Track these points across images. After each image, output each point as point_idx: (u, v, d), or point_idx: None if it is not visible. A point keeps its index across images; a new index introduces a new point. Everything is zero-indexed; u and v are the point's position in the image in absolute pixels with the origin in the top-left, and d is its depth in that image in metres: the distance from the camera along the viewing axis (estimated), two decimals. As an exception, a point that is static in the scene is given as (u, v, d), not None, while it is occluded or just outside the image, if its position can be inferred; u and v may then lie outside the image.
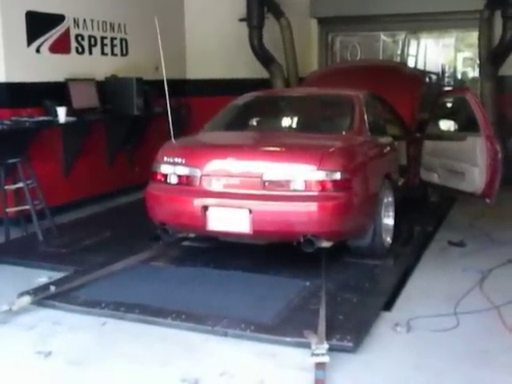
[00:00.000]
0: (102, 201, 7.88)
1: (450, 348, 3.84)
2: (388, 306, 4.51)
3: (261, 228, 4.81)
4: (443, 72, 13.13)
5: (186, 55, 10.38)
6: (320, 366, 3.45)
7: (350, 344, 3.78)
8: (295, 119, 6.20)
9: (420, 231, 6.44)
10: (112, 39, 8.47)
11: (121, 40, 8.64)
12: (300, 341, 3.81)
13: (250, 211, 4.77)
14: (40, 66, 7.20)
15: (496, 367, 3.61)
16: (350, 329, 3.97)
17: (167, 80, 5.62)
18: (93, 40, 8.09)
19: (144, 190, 5.40)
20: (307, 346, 3.67)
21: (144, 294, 4.65)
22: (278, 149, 5.27)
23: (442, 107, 7.15)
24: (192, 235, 5.65)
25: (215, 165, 5.03)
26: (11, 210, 6.47)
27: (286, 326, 4.05)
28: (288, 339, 3.88)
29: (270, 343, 3.88)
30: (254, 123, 6.21)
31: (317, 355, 3.52)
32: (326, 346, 3.59)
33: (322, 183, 4.75)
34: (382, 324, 4.19)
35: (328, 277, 4.85)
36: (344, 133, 5.58)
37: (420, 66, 12.55)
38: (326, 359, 3.49)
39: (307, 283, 4.80)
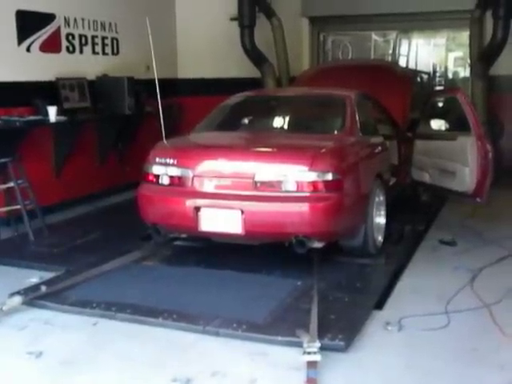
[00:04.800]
0: (93, 200, 7.86)
1: (441, 347, 3.86)
2: (379, 304, 4.52)
3: (252, 229, 4.81)
4: (434, 71, 13.20)
5: (178, 54, 10.37)
6: (312, 364, 3.46)
7: (342, 343, 3.79)
8: (287, 119, 6.21)
9: (411, 230, 6.46)
10: (103, 38, 8.44)
11: (112, 39, 8.61)
12: (292, 340, 3.82)
13: (242, 212, 4.77)
14: (30, 65, 7.17)
15: (487, 366, 3.62)
16: (341, 328, 3.98)
17: (158, 79, 5.61)
18: (84, 39, 8.06)
19: (135, 189, 5.39)
20: (299, 345, 3.67)
21: (135, 293, 4.64)
22: (269, 149, 5.28)
23: (433, 107, 7.18)
24: (184, 235, 5.64)
25: (207, 166, 5.03)
26: (2, 209, 6.44)
27: (278, 325, 4.05)
28: (280, 338, 3.88)
29: (261, 342, 3.89)
30: (246, 123, 6.21)
31: (309, 353, 3.53)
32: (317, 344, 3.60)
33: (313, 184, 4.76)
34: (374, 323, 4.20)
35: (320, 276, 4.85)
36: (335, 133, 5.59)
37: (411, 66, 12.59)
38: (317, 358, 3.50)
39: (299, 283, 4.81)
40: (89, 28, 8.15)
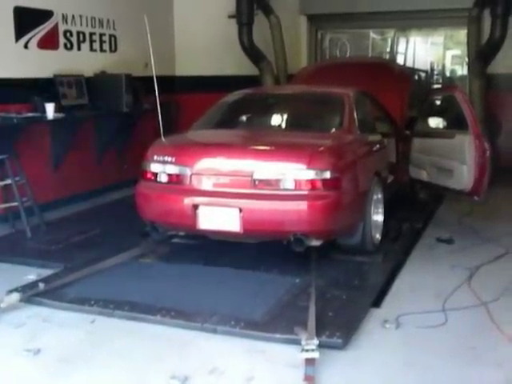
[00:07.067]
0: (91, 197, 7.85)
1: (439, 344, 3.87)
2: (377, 302, 4.53)
3: (251, 227, 4.81)
4: (432, 70, 13.21)
5: (176, 52, 10.35)
6: (310, 362, 3.47)
7: (340, 341, 3.80)
8: (285, 117, 6.20)
9: (409, 228, 6.46)
10: (101, 35, 8.43)
11: (110, 36, 8.60)
12: (290, 337, 3.82)
13: (240, 210, 4.77)
14: (28, 61, 7.15)
15: (484, 363, 3.63)
16: (339, 325, 3.99)
17: (157, 77, 5.61)
18: (81, 36, 8.05)
19: (133, 186, 5.39)
20: (297, 342, 3.68)
21: (133, 291, 4.64)
22: (267, 148, 5.27)
23: (430, 105, 7.19)
24: (182, 233, 5.64)
25: (205, 163, 5.03)
26: (-1, 206, 6.44)
27: (276, 322, 4.05)
28: (278, 336, 3.89)
29: (259, 340, 3.89)
30: (244, 121, 6.21)
31: (307, 351, 3.53)
32: (316, 341, 3.60)
33: (311, 182, 4.76)
34: (371, 321, 4.21)
35: (318, 274, 4.86)
36: (333, 131, 5.59)
37: (409, 64, 12.60)
38: (315, 355, 3.50)
39: (297, 280, 4.81)
40: (87, 25, 8.13)
